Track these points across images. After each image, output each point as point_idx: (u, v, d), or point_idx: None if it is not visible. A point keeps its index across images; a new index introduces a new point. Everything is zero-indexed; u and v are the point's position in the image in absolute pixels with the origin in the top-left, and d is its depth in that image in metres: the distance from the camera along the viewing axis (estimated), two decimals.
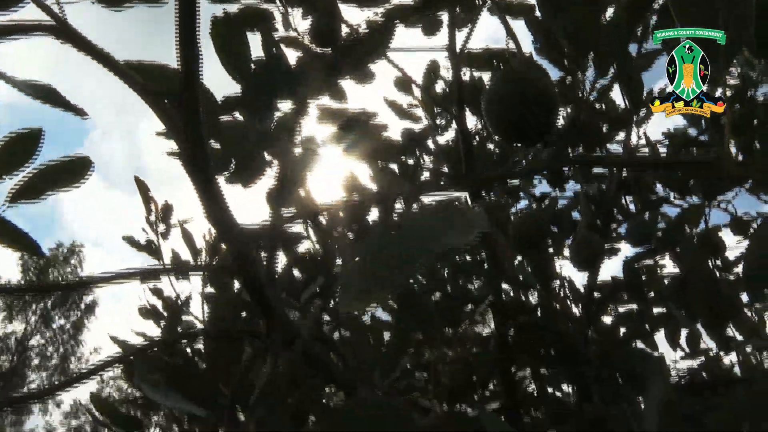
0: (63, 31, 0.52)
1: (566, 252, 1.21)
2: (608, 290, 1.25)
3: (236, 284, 1.10)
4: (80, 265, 17.66)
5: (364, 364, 0.81)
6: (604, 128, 1.12)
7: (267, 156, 0.87)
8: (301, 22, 1.08)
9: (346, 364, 0.70)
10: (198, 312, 1.42)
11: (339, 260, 1.22)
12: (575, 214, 1.32)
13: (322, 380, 0.67)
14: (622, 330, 1.25)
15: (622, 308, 1.29)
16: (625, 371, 1.03)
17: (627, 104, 1.04)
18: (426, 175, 1.38)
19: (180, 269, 1.24)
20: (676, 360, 1.33)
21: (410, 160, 1.39)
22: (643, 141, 1.31)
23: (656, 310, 1.25)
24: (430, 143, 1.42)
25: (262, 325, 0.68)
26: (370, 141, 1.12)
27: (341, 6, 0.99)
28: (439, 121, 1.40)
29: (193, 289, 1.43)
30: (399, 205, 1.28)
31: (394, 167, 1.35)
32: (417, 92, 1.40)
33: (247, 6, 1.00)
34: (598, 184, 1.32)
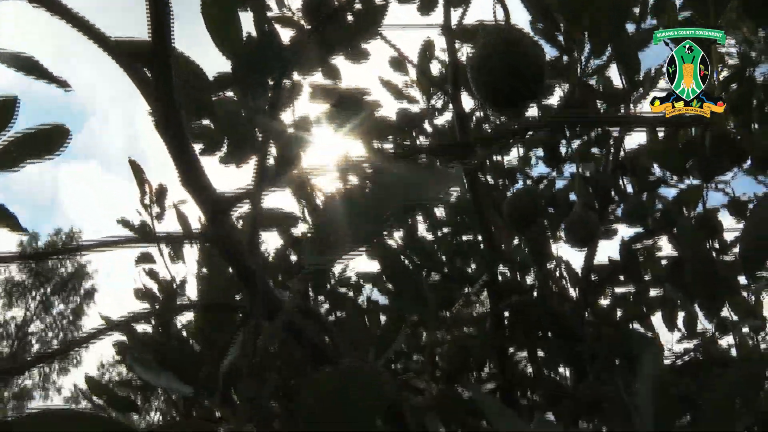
0: None
1: (562, 233, 1.20)
2: (605, 272, 1.25)
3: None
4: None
5: (358, 344, 0.80)
6: (601, 107, 1.11)
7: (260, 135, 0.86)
8: (295, 1, 1.07)
9: (334, 340, 0.69)
10: (193, 295, 1.42)
11: None
12: (572, 196, 1.31)
13: (310, 356, 0.67)
14: (619, 312, 1.24)
15: (619, 290, 1.29)
16: (621, 352, 1.03)
17: (623, 83, 1.04)
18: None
19: (165, 239, 1.23)
20: (672, 342, 1.33)
21: (406, 142, 1.38)
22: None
23: (653, 292, 1.25)
24: (426, 125, 1.41)
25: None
26: (364, 119, 1.11)
27: None
28: (434, 101, 1.39)
29: (188, 271, 1.42)
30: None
31: (389, 146, 1.34)
32: (413, 72, 1.39)
33: None
34: (595, 165, 1.31)
